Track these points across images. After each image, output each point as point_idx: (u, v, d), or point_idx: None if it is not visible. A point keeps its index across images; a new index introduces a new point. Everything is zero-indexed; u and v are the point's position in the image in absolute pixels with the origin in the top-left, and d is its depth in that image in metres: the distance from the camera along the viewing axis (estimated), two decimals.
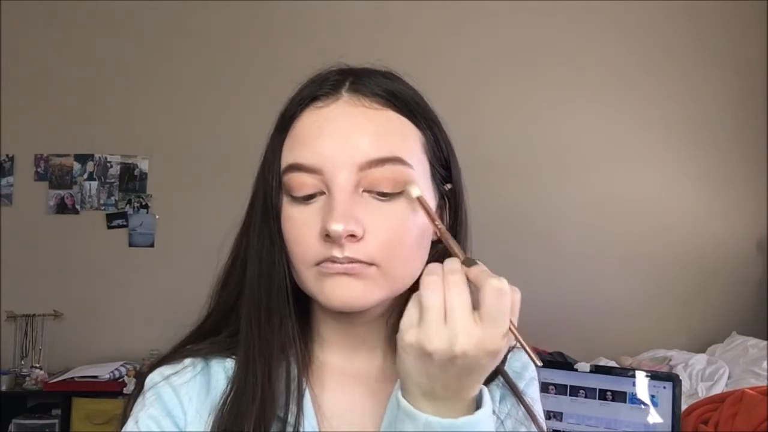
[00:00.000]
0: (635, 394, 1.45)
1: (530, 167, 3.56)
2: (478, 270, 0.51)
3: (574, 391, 1.51)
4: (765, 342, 2.99)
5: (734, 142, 3.62)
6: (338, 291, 0.56)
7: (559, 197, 3.57)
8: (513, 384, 0.66)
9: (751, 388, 1.80)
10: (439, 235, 0.58)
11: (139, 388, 0.63)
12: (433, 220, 0.57)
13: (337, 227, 0.54)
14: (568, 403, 1.51)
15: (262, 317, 0.60)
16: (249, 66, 3.55)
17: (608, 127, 3.63)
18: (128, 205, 3.52)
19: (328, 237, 0.55)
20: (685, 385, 2.65)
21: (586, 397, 1.50)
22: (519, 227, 3.49)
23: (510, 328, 0.50)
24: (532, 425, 0.64)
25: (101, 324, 3.43)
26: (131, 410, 0.62)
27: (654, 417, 1.43)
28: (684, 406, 1.70)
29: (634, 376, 1.47)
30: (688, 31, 3.67)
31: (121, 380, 3.08)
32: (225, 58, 3.56)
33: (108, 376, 3.05)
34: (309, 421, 0.60)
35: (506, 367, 0.66)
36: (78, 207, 3.51)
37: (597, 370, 1.52)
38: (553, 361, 2.38)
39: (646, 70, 3.64)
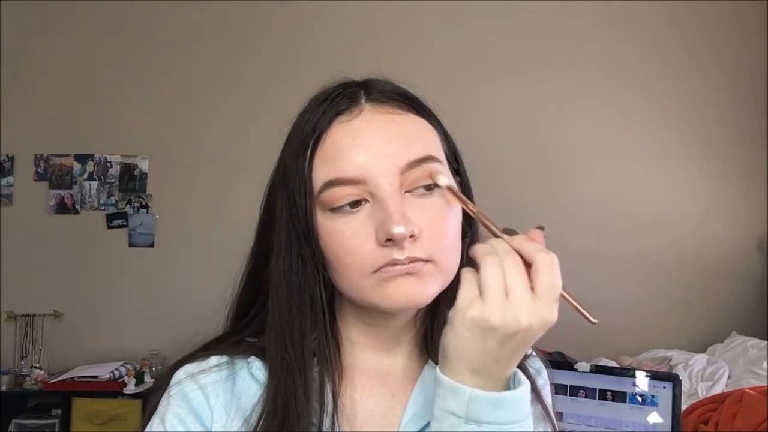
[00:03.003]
0: (635, 394, 1.45)
1: (529, 167, 3.55)
2: (525, 242, 0.54)
3: (574, 391, 1.51)
4: (765, 342, 2.99)
5: (734, 142, 3.61)
6: (402, 291, 0.57)
7: (559, 197, 3.57)
8: (533, 380, 0.67)
9: (751, 388, 1.81)
10: (474, 216, 0.60)
11: (166, 384, 0.64)
12: (465, 203, 0.60)
13: (399, 229, 0.55)
14: (568, 403, 1.51)
15: (296, 338, 0.61)
16: (249, 66, 3.55)
17: (608, 127, 3.62)
18: (128, 205, 3.52)
19: (388, 242, 0.56)
20: (685, 385, 2.65)
21: (586, 397, 1.50)
22: (518, 227, 3.48)
23: (563, 294, 0.53)
24: (548, 425, 0.66)
25: (101, 324, 3.43)
26: (157, 406, 0.63)
27: (654, 417, 1.43)
28: (684, 406, 1.70)
29: (634, 376, 1.47)
30: (689, 30, 3.67)
31: (121, 380, 3.08)
32: (225, 58, 3.56)
33: (108, 376, 3.05)
34: (335, 422, 0.61)
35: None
36: (78, 207, 3.51)
37: (597, 370, 1.52)
38: (553, 361, 2.37)
39: (646, 70, 3.63)
